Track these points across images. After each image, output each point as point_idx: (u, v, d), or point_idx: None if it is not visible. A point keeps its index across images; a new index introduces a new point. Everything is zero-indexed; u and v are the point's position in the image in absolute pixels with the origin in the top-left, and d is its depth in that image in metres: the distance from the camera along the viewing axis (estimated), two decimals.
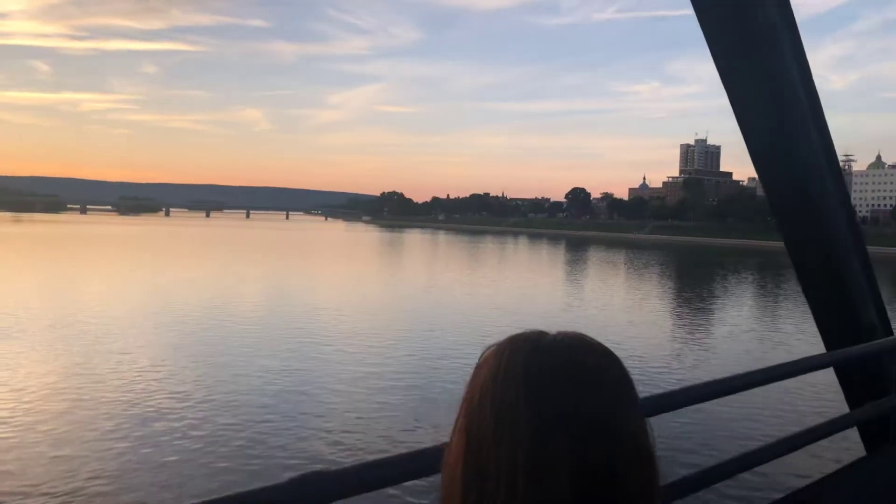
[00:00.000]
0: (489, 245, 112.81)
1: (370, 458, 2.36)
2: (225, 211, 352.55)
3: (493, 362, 0.81)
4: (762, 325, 30.18)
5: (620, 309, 34.46)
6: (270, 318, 26.38)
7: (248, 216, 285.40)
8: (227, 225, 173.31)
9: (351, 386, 16.07)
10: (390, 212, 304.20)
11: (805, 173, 3.96)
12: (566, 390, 0.76)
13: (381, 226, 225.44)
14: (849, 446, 4.88)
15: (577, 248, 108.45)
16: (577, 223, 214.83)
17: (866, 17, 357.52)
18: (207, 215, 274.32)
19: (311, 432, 12.61)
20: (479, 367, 0.83)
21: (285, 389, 15.54)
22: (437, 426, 12.65)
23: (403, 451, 1.60)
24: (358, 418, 13.56)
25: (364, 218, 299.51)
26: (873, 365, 4.23)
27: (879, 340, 3.97)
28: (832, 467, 3.81)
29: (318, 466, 2.37)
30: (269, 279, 44.57)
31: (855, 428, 4.00)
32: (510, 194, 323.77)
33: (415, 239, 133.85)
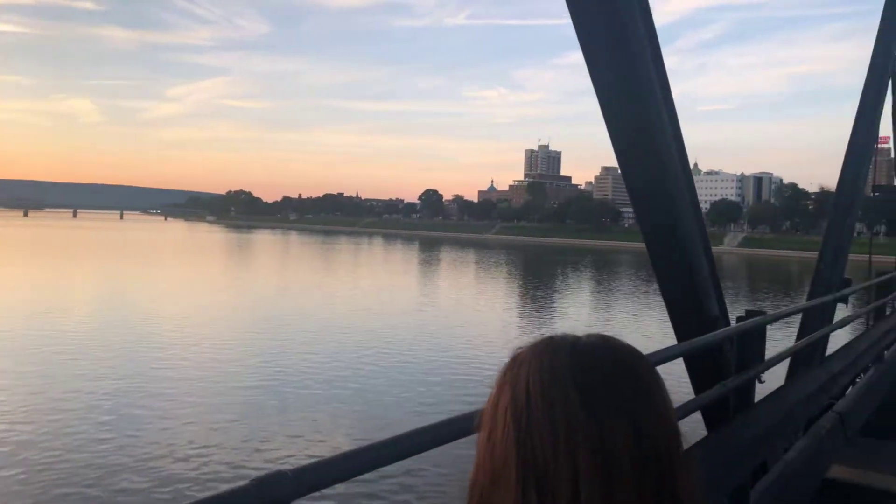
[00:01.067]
0: (344, 246, 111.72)
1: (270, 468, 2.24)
2: (47, 209, 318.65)
3: (535, 364, 0.82)
4: (603, 319, 32.52)
5: (472, 306, 35.55)
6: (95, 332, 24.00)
7: (74, 215, 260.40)
8: (50, 225, 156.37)
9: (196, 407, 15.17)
10: (238, 211, 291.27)
11: (663, 174, 4.30)
12: (616, 389, 0.79)
13: (228, 226, 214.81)
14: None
15: (431, 249, 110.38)
16: (430, 224, 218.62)
17: (686, 37, 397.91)
18: (25, 214, 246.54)
19: (150, 450, 11.70)
20: (516, 367, 0.84)
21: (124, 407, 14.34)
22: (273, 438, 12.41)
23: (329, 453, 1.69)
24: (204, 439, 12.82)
25: (208, 218, 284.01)
26: (716, 352, 4.70)
27: (722, 330, 4.39)
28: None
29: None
30: (89, 286, 39.44)
31: (699, 411, 4.40)
32: (364, 194, 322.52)
33: (265, 240, 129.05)
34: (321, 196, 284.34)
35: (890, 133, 17.30)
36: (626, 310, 35.28)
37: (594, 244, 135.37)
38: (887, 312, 9.52)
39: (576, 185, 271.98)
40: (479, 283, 51.92)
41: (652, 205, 4.50)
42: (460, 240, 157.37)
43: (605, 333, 0.88)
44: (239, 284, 44.82)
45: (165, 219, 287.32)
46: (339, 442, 12.17)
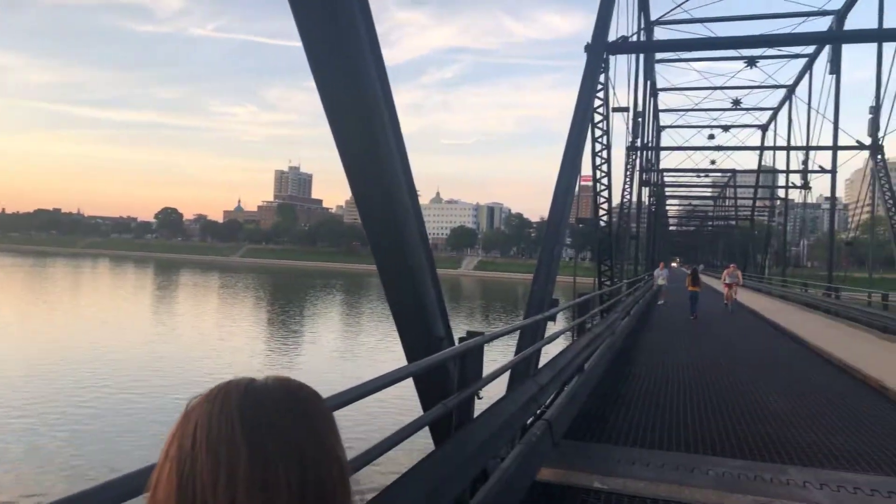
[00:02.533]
0: (60, 269, 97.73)
1: None
2: None
3: (205, 407, 0.83)
4: (348, 342, 32.83)
5: (215, 336, 33.49)
6: None
7: None
8: None
9: None
10: None
11: (394, 208, 4.51)
12: (284, 424, 0.82)
13: None
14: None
15: (167, 272, 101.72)
16: (168, 245, 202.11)
17: (430, 74, 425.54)
18: None
19: None
20: (187, 415, 0.84)
21: None
22: None
23: None
24: None
25: None
26: (442, 371, 5.01)
27: (447, 349, 4.69)
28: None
29: None
30: None
31: (428, 428, 4.63)
32: (88, 211, 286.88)
33: None
34: (32, 211, 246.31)
35: (590, 172, 20.31)
36: (374, 332, 36.10)
37: (345, 267, 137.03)
38: (588, 328, 11.04)
39: (327, 209, 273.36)
40: (224, 310, 49.16)
41: (383, 233, 4.67)
42: (203, 262, 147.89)
43: (286, 375, 0.90)
44: None
45: None
46: None
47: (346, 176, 4.26)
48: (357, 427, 14.13)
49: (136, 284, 74.93)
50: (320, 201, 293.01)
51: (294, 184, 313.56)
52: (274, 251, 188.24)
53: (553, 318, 8.80)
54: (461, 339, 5.13)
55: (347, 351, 29.48)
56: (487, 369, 5.41)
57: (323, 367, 24.71)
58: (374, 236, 4.67)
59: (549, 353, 8.73)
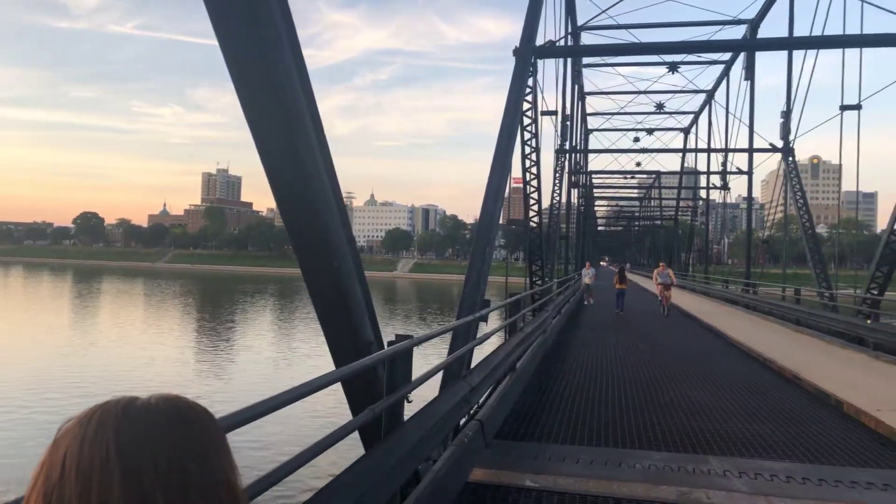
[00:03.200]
0: None
1: None
2: None
3: (77, 431, 0.77)
4: (281, 349, 32.15)
5: (138, 345, 32.16)
6: None
7: None
8: None
9: None
10: None
11: (318, 210, 4.41)
12: (164, 447, 0.77)
13: None
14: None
15: (87, 280, 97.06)
16: (88, 251, 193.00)
17: (363, 76, 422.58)
18: None
19: None
20: (56, 442, 0.78)
21: None
22: None
23: None
24: None
25: None
26: (371, 375, 4.94)
27: (375, 354, 4.62)
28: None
29: None
30: None
31: (357, 432, 4.56)
32: None
33: None
34: None
35: (521, 174, 20.60)
36: (309, 338, 35.49)
37: (277, 272, 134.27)
38: (519, 327, 11.17)
39: (257, 212, 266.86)
40: (149, 319, 47.29)
41: (307, 236, 4.57)
42: (126, 269, 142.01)
43: (174, 393, 0.86)
44: None
45: None
46: None
47: (266, 179, 4.14)
48: (285, 436, 13.85)
49: (53, 293, 71.16)
50: (250, 204, 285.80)
51: (223, 186, 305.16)
52: (202, 256, 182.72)
53: (485, 318, 8.84)
54: (390, 343, 5.07)
55: (280, 358, 28.86)
56: (420, 371, 5.39)
57: (254, 375, 24.10)
58: (299, 239, 4.56)
59: (483, 352, 8.77)
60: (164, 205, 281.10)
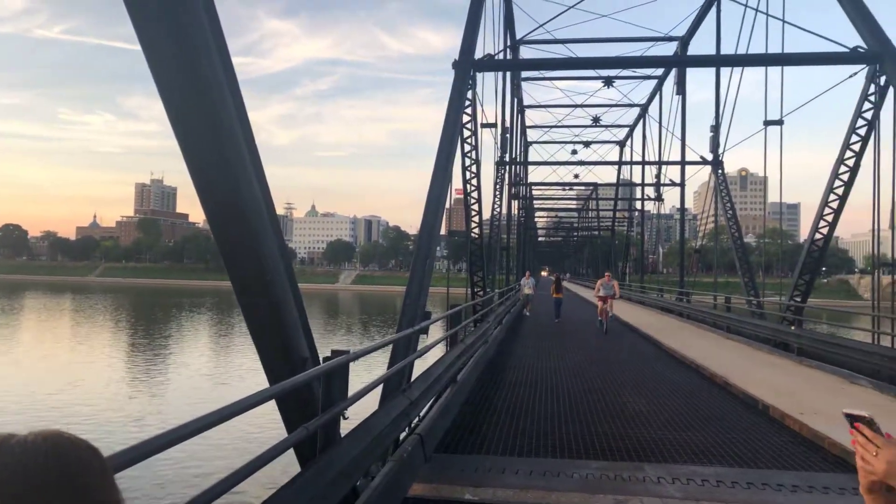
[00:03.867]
0: None
1: None
2: None
3: None
4: (215, 365, 31.23)
5: (63, 364, 30.68)
6: None
7: None
8: None
9: None
10: None
11: (249, 220, 4.28)
12: (40, 486, 0.74)
13: None
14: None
15: (10, 295, 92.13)
16: (9, 265, 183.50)
17: (303, 85, 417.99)
18: None
19: None
20: None
21: None
22: None
23: None
24: None
25: None
26: (306, 392, 4.82)
27: (310, 370, 4.52)
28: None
29: None
30: None
31: (293, 450, 4.44)
32: None
33: None
34: None
35: (462, 186, 20.71)
36: (245, 353, 34.62)
37: (214, 285, 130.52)
38: (460, 338, 11.17)
39: (194, 223, 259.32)
40: (77, 337, 45.20)
41: (237, 249, 4.44)
42: (53, 284, 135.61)
43: (55, 430, 0.82)
44: None
45: None
46: None
47: (195, 189, 4.00)
48: (217, 458, 13.43)
49: None
50: (186, 216, 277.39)
51: (157, 197, 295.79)
52: (135, 269, 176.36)
53: (425, 330, 8.80)
54: (326, 359, 4.97)
55: (217, 375, 28.03)
56: (359, 386, 5.30)
57: (189, 394, 23.32)
58: (229, 252, 4.42)
59: (425, 364, 8.72)
60: (95, 216, 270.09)
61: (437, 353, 10.56)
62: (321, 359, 5.19)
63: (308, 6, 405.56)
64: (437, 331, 15.11)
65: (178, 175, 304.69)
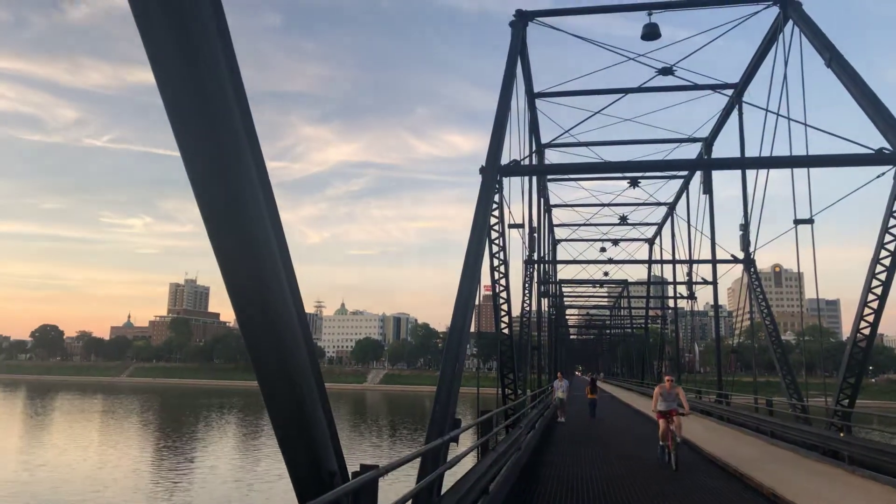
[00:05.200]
0: None
1: None
2: None
3: None
4: (242, 470, 30.56)
5: (94, 466, 30.33)
6: None
7: None
8: None
9: None
10: None
11: (280, 334, 4.29)
12: None
13: None
14: None
15: (40, 396, 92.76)
16: (45, 366, 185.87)
17: (335, 187, 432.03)
18: None
19: None
20: None
21: None
22: None
23: None
24: None
25: None
26: None
27: (339, 488, 4.37)
28: None
29: None
30: None
31: None
32: None
33: None
34: None
35: (490, 285, 20.73)
36: (273, 459, 33.90)
37: (243, 385, 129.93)
38: (491, 447, 10.80)
39: (224, 323, 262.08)
40: (104, 438, 44.94)
41: (270, 361, 4.41)
42: (85, 384, 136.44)
43: None
44: None
45: None
46: None
47: (226, 289, 4.07)
48: None
49: (2, 410, 67.58)
50: (218, 315, 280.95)
51: (190, 297, 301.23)
52: (165, 369, 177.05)
53: (455, 439, 8.55)
54: (355, 474, 4.82)
55: (244, 482, 27.37)
56: (388, 501, 5.10)
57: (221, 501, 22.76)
58: (260, 363, 4.40)
59: (455, 475, 8.42)
60: (129, 316, 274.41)
61: (468, 462, 10.20)
62: (350, 473, 5.05)
63: (341, 112, 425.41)
64: (467, 437, 14.67)
65: (211, 274, 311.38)
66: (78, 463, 31.32)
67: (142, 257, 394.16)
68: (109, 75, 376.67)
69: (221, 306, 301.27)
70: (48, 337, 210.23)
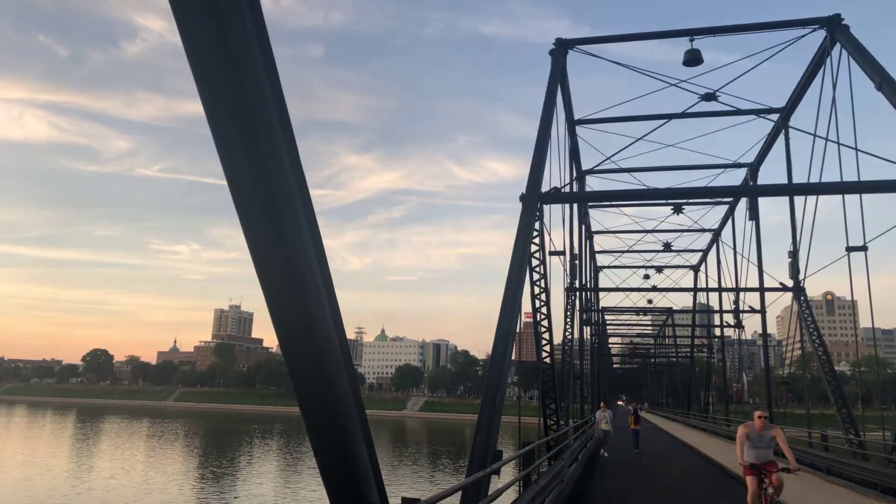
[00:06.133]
0: None
1: None
2: None
3: None
4: (284, 498, 30.61)
5: (142, 489, 30.80)
6: None
7: None
8: None
9: None
10: None
11: (322, 358, 4.29)
12: None
13: None
14: None
15: (90, 419, 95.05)
16: (94, 390, 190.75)
17: (377, 214, 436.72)
18: None
19: None
20: None
21: None
22: None
23: None
24: None
25: None
26: None
27: None
28: None
29: None
30: None
31: None
32: (9, 354, 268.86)
33: None
34: None
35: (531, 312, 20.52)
36: (314, 486, 33.90)
37: (286, 410, 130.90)
38: (533, 479, 10.58)
39: (267, 348, 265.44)
40: (148, 461, 45.67)
41: (313, 394, 4.40)
42: (132, 408, 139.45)
43: None
44: None
45: None
46: None
47: (269, 314, 4.11)
48: None
49: (53, 432, 69.39)
50: (261, 341, 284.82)
51: (234, 323, 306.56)
52: (209, 394, 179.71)
53: (497, 471, 8.40)
54: None
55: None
56: None
57: None
58: (303, 397, 4.40)
59: None
60: (175, 341, 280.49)
61: (510, 494, 10.00)
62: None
63: (383, 141, 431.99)
64: (509, 469, 14.39)
65: (255, 300, 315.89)
66: (122, 487, 31.84)
67: (188, 283, 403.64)
68: (161, 107, 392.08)
69: (264, 332, 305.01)
70: (98, 361, 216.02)
